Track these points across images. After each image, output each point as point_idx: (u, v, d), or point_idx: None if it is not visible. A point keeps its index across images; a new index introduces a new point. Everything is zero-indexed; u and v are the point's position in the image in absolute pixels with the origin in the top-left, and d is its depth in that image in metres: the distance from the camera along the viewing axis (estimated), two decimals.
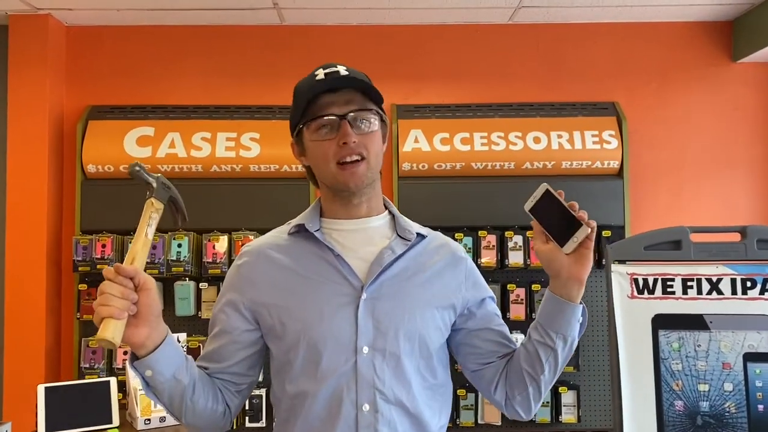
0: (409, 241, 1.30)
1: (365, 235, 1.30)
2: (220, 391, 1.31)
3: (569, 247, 1.20)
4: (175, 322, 3.24)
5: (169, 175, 3.27)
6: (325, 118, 1.23)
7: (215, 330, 1.32)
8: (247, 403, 3.13)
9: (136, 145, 3.33)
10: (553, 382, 1.32)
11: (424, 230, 1.36)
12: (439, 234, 1.39)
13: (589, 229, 1.19)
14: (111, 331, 1.08)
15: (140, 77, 3.50)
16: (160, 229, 3.23)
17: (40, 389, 2.34)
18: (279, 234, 1.35)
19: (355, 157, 1.23)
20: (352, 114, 1.23)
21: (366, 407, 1.21)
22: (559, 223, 1.21)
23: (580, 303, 1.25)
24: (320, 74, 1.25)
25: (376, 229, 1.32)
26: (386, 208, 1.37)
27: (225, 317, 1.30)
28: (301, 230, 1.30)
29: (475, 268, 1.39)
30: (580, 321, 1.27)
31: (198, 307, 3.24)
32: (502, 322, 1.39)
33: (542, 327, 1.26)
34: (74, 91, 3.49)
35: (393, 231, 1.33)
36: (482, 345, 1.35)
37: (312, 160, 1.29)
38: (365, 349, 1.22)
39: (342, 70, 1.26)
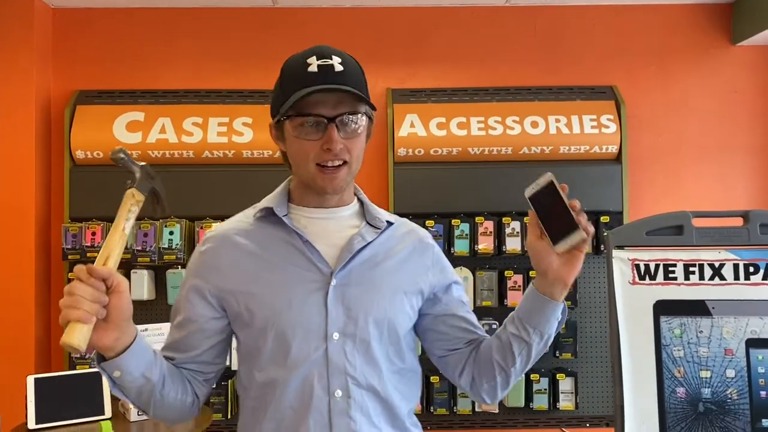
0: (379, 228, 1.28)
1: (335, 223, 1.29)
2: (188, 382, 1.28)
3: (561, 248, 1.16)
4: (167, 311, 3.18)
5: (160, 162, 3.25)
6: (313, 117, 1.18)
7: (179, 318, 1.28)
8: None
9: (125, 130, 3.26)
10: (523, 374, 1.31)
11: (392, 217, 1.35)
12: (406, 221, 1.39)
13: (585, 235, 1.15)
14: (77, 336, 1.02)
15: (129, 61, 3.42)
16: (151, 216, 3.19)
17: (30, 380, 2.29)
18: (244, 219, 1.30)
19: (337, 162, 1.21)
20: (341, 118, 1.19)
21: (338, 393, 1.20)
22: (556, 219, 1.16)
23: (562, 301, 1.24)
24: (313, 65, 1.18)
25: (345, 218, 1.30)
26: (356, 195, 1.35)
27: (190, 305, 1.26)
28: (267, 214, 1.27)
29: (442, 254, 1.39)
30: (559, 319, 1.25)
31: None
32: (469, 309, 1.38)
33: (520, 321, 1.25)
34: (61, 75, 3.40)
35: (362, 219, 1.31)
36: (448, 331, 1.34)
37: (290, 153, 1.25)
38: (336, 336, 1.20)
39: (336, 63, 1.19)
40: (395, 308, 1.26)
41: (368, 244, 1.26)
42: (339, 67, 1.18)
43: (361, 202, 1.34)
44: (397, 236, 1.33)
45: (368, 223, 1.29)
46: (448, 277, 1.36)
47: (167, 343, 1.29)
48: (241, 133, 3.25)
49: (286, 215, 1.26)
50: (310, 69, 1.18)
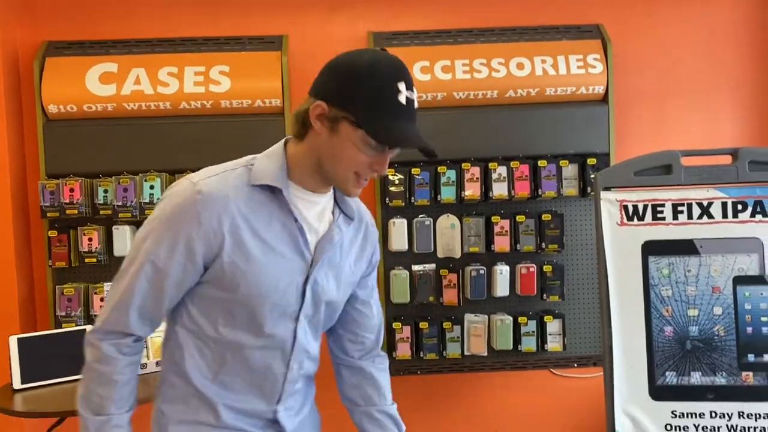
0: (351, 219, 1.37)
1: (319, 208, 1.32)
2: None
3: None
4: None
5: (136, 114, 3.17)
6: (385, 146, 1.22)
7: (159, 271, 1.21)
8: None
9: (99, 82, 3.15)
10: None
11: (354, 201, 1.42)
12: (360, 203, 1.45)
13: None
14: None
15: (99, 9, 3.27)
16: (132, 170, 3.12)
17: (12, 340, 2.26)
18: (239, 182, 1.25)
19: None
20: (395, 148, 1.25)
21: (295, 366, 1.32)
22: None
23: None
24: (403, 94, 1.19)
25: (326, 203, 1.34)
26: None
27: (176, 263, 1.21)
28: (267, 189, 1.25)
29: (377, 241, 1.49)
30: None
31: None
32: (375, 293, 1.50)
33: None
34: (28, 25, 3.25)
35: (334, 203, 1.36)
36: (347, 309, 1.45)
37: (334, 150, 1.22)
38: (303, 319, 1.30)
39: (415, 97, 1.23)
40: (346, 295, 1.40)
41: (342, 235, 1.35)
42: (416, 104, 1.23)
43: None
44: (357, 223, 1.41)
45: (340, 208, 1.35)
46: (374, 263, 1.47)
47: (138, 302, 1.23)
48: (218, 82, 3.14)
49: (289, 198, 1.27)
50: (400, 98, 1.19)
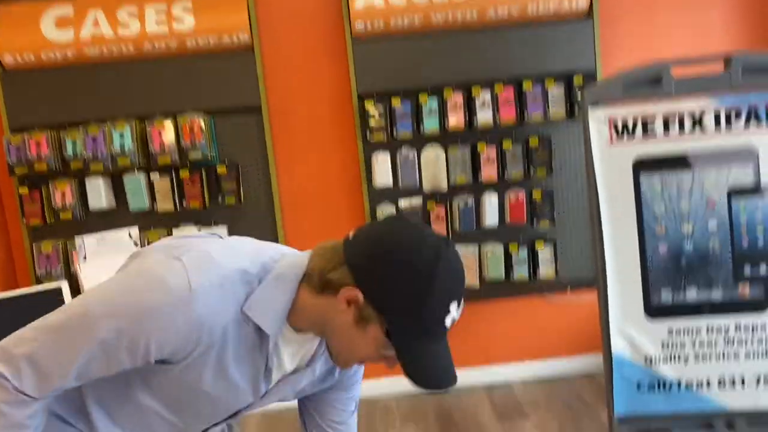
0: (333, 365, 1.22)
1: (299, 346, 1.16)
2: None
3: None
4: (130, 218, 3.03)
5: (97, 60, 2.99)
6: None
7: (105, 363, 1.02)
8: None
9: (55, 27, 2.98)
10: None
11: None
12: None
13: None
14: None
15: None
16: (99, 119, 2.98)
17: None
18: (238, 300, 1.05)
19: None
20: None
21: None
22: None
23: None
24: (451, 316, 1.04)
25: (308, 343, 1.18)
26: None
27: (130, 359, 1.02)
28: (257, 326, 1.07)
29: (360, 381, 1.33)
30: None
31: (153, 198, 3.04)
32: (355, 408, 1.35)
33: None
34: None
35: (320, 341, 1.19)
36: (325, 410, 1.32)
37: (351, 338, 1.06)
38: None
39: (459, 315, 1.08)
40: None
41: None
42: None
43: None
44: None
45: (328, 347, 1.16)
46: (354, 393, 1.33)
47: (73, 375, 1.03)
48: (181, 19, 2.97)
49: (275, 344, 1.12)
50: (447, 321, 1.04)
